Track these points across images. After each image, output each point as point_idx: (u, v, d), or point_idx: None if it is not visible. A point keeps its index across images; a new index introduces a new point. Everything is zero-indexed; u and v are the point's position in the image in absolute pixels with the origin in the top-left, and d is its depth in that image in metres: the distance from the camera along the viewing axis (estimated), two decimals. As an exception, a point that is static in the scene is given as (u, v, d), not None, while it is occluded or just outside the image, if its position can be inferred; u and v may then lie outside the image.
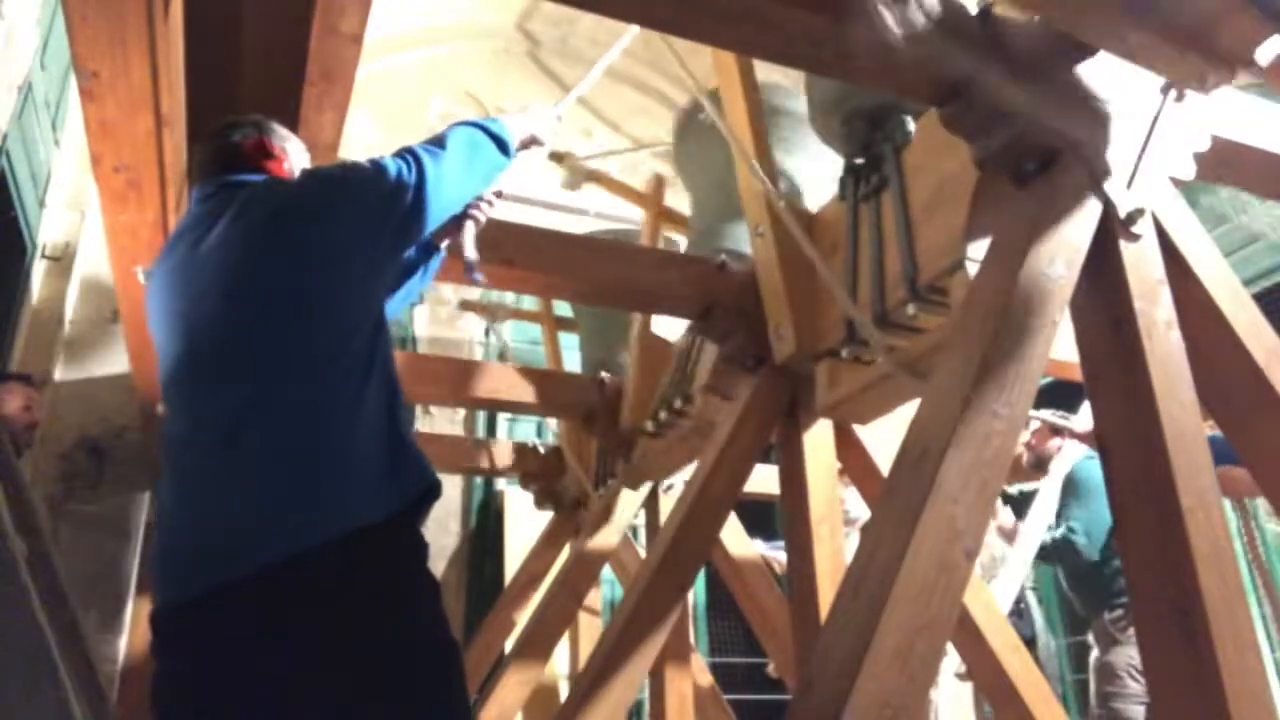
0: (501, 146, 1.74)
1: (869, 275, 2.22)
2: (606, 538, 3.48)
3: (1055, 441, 3.73)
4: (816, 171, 2.85)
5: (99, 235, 2.15)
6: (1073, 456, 3.64)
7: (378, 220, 1.47)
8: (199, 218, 1.48)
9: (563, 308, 4.59)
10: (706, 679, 4.10)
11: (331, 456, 1.29)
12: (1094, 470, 3.50)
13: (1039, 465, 3.75)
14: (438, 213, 1.57)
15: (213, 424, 1.31)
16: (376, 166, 1.50)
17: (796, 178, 2.83)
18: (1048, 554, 3.62)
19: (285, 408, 1.30)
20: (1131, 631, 3.05)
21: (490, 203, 1.86)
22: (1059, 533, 3.56)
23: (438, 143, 1.61)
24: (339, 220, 1.42)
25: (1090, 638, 3.65)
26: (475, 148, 1.68)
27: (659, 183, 3.88)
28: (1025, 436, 3.71)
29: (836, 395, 2.37)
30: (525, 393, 3.62)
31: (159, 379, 1.44)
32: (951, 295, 1.99)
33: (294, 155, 1.64)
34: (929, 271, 2.02)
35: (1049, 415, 3.73)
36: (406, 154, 1.55)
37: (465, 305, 5.10)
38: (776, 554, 4.02)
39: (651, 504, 3.54)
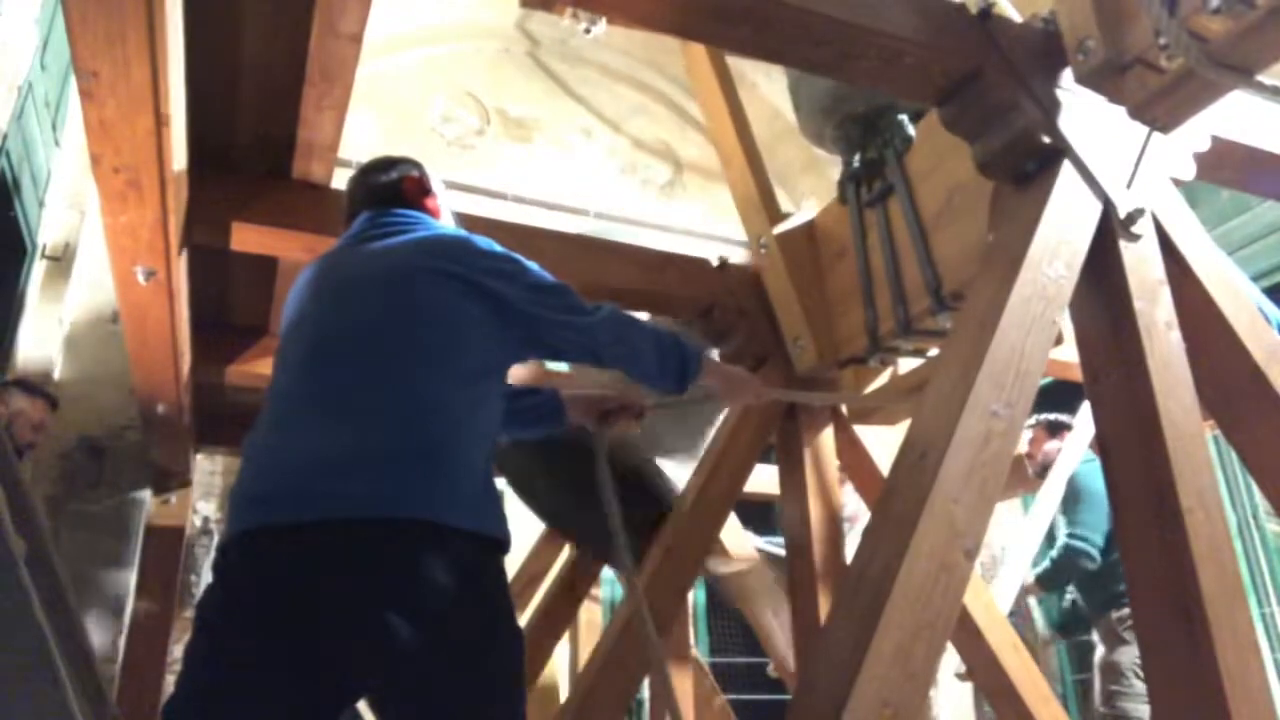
0: (684, 364, 1.70)
1: (886, 283, 2.22)
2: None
3: (1054, 444, 3.72)
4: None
5: (99, 235, 2.15)
6: (1073, 458, 3.62)
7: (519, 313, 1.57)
8: (368, 231, 1.65)
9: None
10: (706, 679, 4.10)
11: (441, 449, 1.39)
12: (1093, 474, 3.48)
13: (1044, 472, 3.73)
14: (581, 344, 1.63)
15: (345, 393, 1.43)
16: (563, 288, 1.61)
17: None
18: (1057, 570, 3.55)
19: (410, 396, 1.42)
20: None
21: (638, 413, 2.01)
22: (1060, 546, 3.54)
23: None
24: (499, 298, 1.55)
25: (1095, 636, 3.64)
26: (660, 343, 1.68)
27: None
28: (1023, 447, 3.67)
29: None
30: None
31: (281, 334, 1.61)
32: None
33: (442, 193, 1.81)
34: (952, 280, 2.02)
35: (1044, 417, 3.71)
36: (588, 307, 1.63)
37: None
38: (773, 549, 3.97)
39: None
